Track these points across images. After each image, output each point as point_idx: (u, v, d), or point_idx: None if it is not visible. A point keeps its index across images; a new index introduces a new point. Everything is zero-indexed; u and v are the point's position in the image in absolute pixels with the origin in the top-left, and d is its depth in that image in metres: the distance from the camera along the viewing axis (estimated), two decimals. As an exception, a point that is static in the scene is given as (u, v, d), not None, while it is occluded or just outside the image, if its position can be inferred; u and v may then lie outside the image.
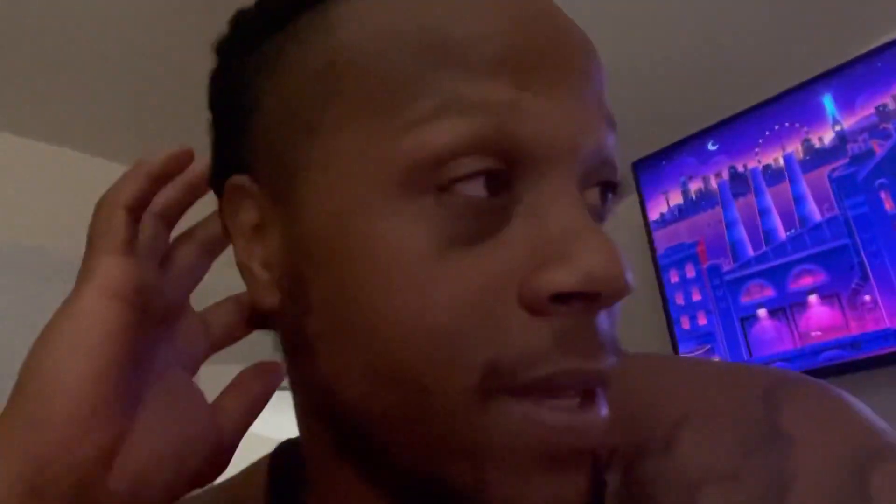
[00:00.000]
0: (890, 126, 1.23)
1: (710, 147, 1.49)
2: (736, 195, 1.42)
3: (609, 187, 0.28)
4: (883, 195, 1.21)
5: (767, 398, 0.29)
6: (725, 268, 1.40)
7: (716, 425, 0.29)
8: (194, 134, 0.38)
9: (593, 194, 0.28)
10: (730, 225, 1.41)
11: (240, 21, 0.32)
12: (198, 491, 0.32)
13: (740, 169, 1.42)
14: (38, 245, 1.48)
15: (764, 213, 1.36)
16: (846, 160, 1.27)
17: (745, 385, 0.30)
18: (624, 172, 1.63)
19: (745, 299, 1.35)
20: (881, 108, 1.25)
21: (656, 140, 1.59)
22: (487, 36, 0.25)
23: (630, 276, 0.24)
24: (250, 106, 0.30)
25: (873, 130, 1.25)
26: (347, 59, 0.27)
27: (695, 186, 1.50)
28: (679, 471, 0.28)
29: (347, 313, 0.26)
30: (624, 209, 1.80)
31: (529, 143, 0.25)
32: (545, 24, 0.26)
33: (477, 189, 0.24)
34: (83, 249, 0.29)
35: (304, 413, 0.32)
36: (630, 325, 1.75)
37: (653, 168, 1.61)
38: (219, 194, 0.32)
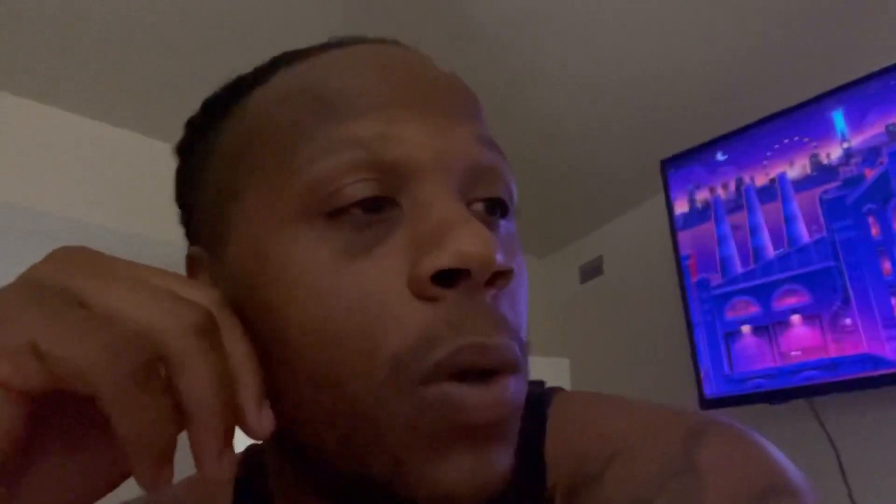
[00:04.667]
0: (885, 151, 1.23)
1: (720, 157, 1.49)
2: (729, 211, 1.43)
3: (496, 205, 0.32)
4: (870, 220, 1.21)
5: (688, 438, 0.32)
6: (714, 282, 1.42)
7: (639, 461, 0.32)
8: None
9: (479, 209, 0.31)
10: (721, 240, 1.42)
11: (190, 123, 0.38)
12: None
13: (747, 181, 1.42)
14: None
15: (755, 230, 1.37)
16: (838, 183, 1.27)
17: (670, 427, 0.34)
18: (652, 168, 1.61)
19: (730, 315, 1.36)
20: (891, 127, 1.24)
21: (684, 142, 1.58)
22: (356, 87, 0.31)
23: (501, 257, 0.27)
24: (195, 188, 0.36)
25: (875, 151, 1.25)
26: (258, 132, 0.32)
27: (701, 196, 1.50)
28: (606, 500, 0.32)
29: (272, 332, 0.29)
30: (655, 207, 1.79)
31: (398, 162, 0.29)
32: (406, 72, 0.32)
33: (361, 209, 0.29)
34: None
35: (269, 452, 0.36)
36: (650, 324, 1.77)
37: (679, 169, 1.57)
38: None
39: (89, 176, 1.63)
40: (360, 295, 0.27)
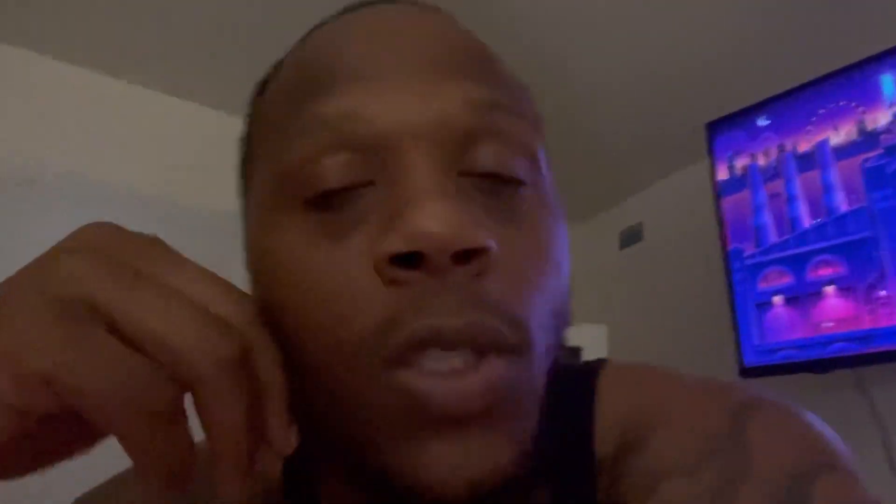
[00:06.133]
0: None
1: (761, 123, 1.45)
2: (767, 179, 1.39)
3: (496, 174, 0.29)
4: (912, 190, 1.17)
5: (737, 412, 0.32)
6: (747, 252, 1.40)
7: (684, 432, 0.31)
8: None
9: (472, 181, 0.28)
10: (757, 209, 1.39)
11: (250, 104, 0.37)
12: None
13: (788, 148, 1.37)
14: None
15: (792, 199, 1.34)
16: (880, 150, 1.23)
17: (718, 400, 0.33)
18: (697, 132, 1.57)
19: (762, 285, 1.35)
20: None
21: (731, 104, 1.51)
22: (334, 61, 0.29)
23: (468, 233, 0.25)
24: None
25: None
26: (263, 113, 0.33)
27: (740, 163, 1.46)
28: (648, 465, 0.31)
29: (272, 319, 0.28)
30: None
31: (370, 139, 0.27)
32: (389, 39, 0.29)
33: (341, 191, 0.28)
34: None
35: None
36: (690, 292, 1.75)
37: (724, 134, 1.51)
38: None
39: (115, 136, 1.65)
40: (332, 280, 0.27)
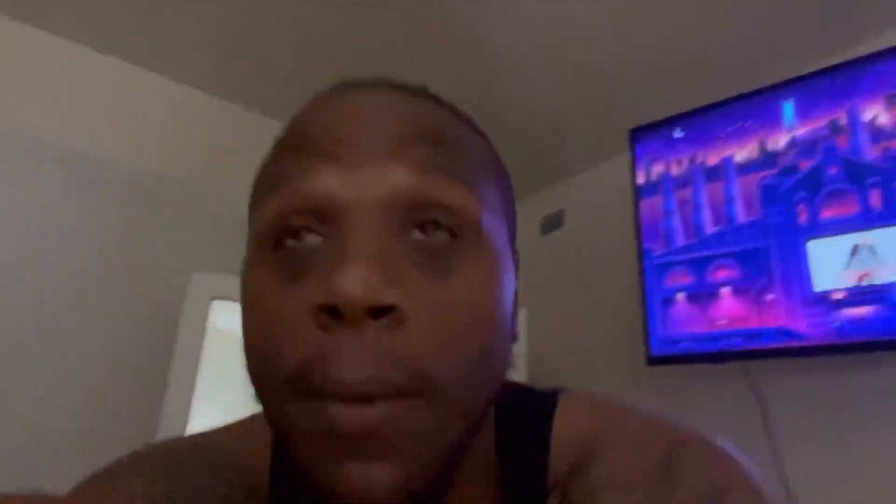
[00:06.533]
0: (820, 146, 1.33)
1: (677, 134, 1.57)
2: (678, 187, 1.53)
3: (436, 226, 0.34)
4: (800, 208, 1.32)
5: (673, 445, 0.37)
6: (656, 252, 1.53)
7: (627, 457, 0.37)
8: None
9: (416, 235, 0.34)
10: (667, 213, 1.52)
11: None
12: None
13: (699, 160, 1.50)
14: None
15: (698, 207, 1.48)
16: (776, 170, 1.37)
17: (658, 433, 0.38)
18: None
19: (668, 283, 1.49)
20: (834, 123, 1.34)
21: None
22: (290, 135, 0.36)
23: (370, 296, 0.29)
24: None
25: (812, 144, 1.34)
26: (257, 179, 0.38)
27: (656, 170, 1.59)
28: (592, 482, 0.36)
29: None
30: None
31: (327, 202, 0.33)
32: (349, 120, 0.35)
33: (301, 242, 0.33)
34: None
35: None
36: (606, 281, 1.88)
37: (643, 141, 1.64)
38: None
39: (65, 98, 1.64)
40: (279, 317, 0.32)
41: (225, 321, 1.67)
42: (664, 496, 0.34)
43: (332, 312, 0.30)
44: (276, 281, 0.33)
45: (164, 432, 1.50)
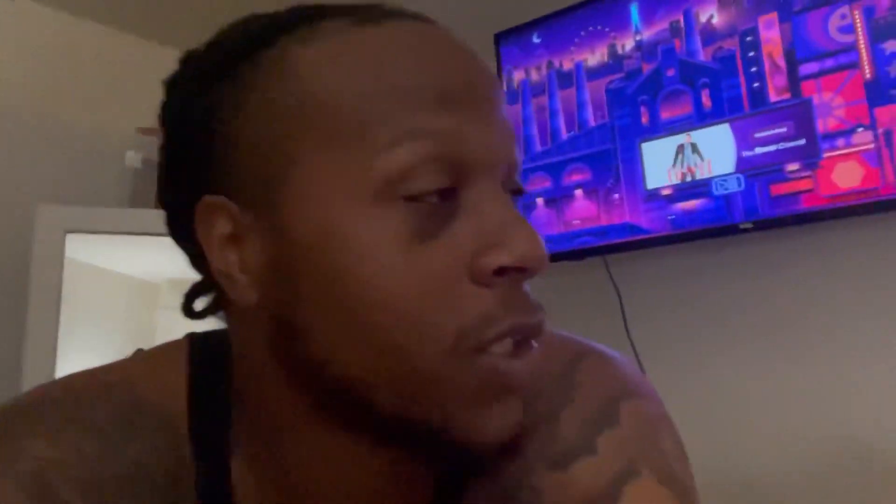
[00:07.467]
0: (660, 49, 1.40)
1: (535, 40, 1.59)
2: (535, 94, 1.57)
3: (517, 193, 0.37)
4: (642, 110, 1.41)
5: (571, 360, 0.40)
6: (517, 159, 1.58)
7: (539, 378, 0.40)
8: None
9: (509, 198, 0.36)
10: (526, 121, 1.57)
11: (190, 61, 0.38)
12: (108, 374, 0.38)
13: (556, 65, 1.54)
14: None
15: (553, 113, 1.53)
16: (622, 75, 1.44)
17: (558, 350, 0.41)
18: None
19: (528, 188, 1.55)
20: (674, 24, 1.40)
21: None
22: (427, 78, 0.33)
23: (547, 258, 0.33)
24: (220, 139, 0.35)
25: (653, 47, 1.41)
26: (318, 101, 0.33)
27: (517, 77, 1.61)
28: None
29: (336, 301, 0.32)
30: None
31: (467, 159, 0.33)
32: (468, 68, 0.35)
33: (432, 196, 0.33)
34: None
35: (281, 385, 0.36)
36: None
37: (506, 46, 1.63)
38: (171, 211, 0.39)
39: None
40: (429, 275, 0.32)
41: (86, 255, 1.59)
42: (564, 405, 0.38)
43: (501, 271, 0.32)
44: (412, 237, 0.32)
45: (30, 379, 1.44)
